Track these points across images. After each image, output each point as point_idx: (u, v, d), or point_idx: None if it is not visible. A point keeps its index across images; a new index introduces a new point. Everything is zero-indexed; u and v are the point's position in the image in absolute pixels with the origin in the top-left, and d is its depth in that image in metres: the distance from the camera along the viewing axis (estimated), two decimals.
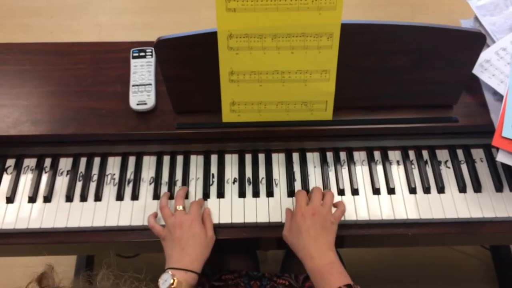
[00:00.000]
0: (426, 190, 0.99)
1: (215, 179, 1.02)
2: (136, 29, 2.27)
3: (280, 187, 1.01)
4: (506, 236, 1.02)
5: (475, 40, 0.90)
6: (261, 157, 1.04)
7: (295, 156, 1.04)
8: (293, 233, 0.88)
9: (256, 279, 1.03)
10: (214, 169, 1.03)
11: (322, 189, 0.99)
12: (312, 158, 1.04)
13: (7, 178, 1.02)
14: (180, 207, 0.93)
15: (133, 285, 0.56)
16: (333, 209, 0.93)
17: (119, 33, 2.25)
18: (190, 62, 0.91)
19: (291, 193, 1.00)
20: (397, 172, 1.02)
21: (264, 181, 1.01)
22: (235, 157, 1.05)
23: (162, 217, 0.93)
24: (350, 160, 1.03)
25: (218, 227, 0.96)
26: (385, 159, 1.03)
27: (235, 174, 1.02)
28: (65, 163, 1.04)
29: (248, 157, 1.04)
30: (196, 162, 1.04)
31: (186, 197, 0.99)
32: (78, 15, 2.33)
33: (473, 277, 1.66)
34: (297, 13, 0.83)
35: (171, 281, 0.83)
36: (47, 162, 1.04)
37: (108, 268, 0.58)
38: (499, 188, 0.99)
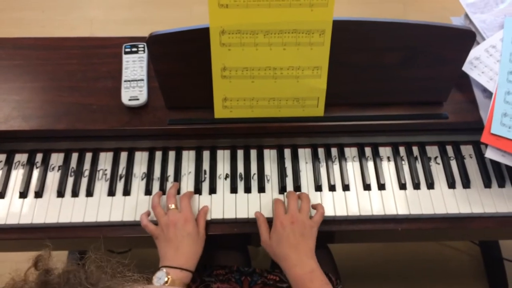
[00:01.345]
0: (416, 186, 1.00)
1: (207, 175, 1.02)
2: (128, 24, 2.26)
3: (272, 183, 1.01)
4: (494, 231, 1.04)
5: (465, 38, 0.91)
6: (253, 153, 1.05)
7: (287, 152, 1.05)
8: (274, 242, 0.89)
9: (247, 274, 1.03)
10: (206, 165, 1.03)
11: (314, 185, 1.00)
12: (304, 154, 1.05)
13: None
14: (172, 206, 0.93)
15: (118, 269, 0.57)
16: (313, 211, 0.94)
17: (111, 28, 2.24)
18: (182, 57, 0.91)
19: (282, 189, 1.00)
20: (388, 168, 1.03)
21: (255, 177, 1.02)
22: (227, 153, 1.05)
23: (155, 216, 0.93)
24: (341, 156, 1.04)
25: (210, 223, 0.96)
26: (376, 155, 1.04)
27: (227, 170, 1.03)
28: (56, 159, 1.03)
29: (240, 153, 1.05)
30: (188, 157, 1.04)
31: (178, 192, 0.99)
32: (70, 9, 2.31)
33: (462, 272, 1.68)
34: (289, 9, 0.83)
35: (166, 279, 0.83)
36: (38, 157, 1.03)
37: (97, 252, 0.59)
38: (487, 184, 1.00)
